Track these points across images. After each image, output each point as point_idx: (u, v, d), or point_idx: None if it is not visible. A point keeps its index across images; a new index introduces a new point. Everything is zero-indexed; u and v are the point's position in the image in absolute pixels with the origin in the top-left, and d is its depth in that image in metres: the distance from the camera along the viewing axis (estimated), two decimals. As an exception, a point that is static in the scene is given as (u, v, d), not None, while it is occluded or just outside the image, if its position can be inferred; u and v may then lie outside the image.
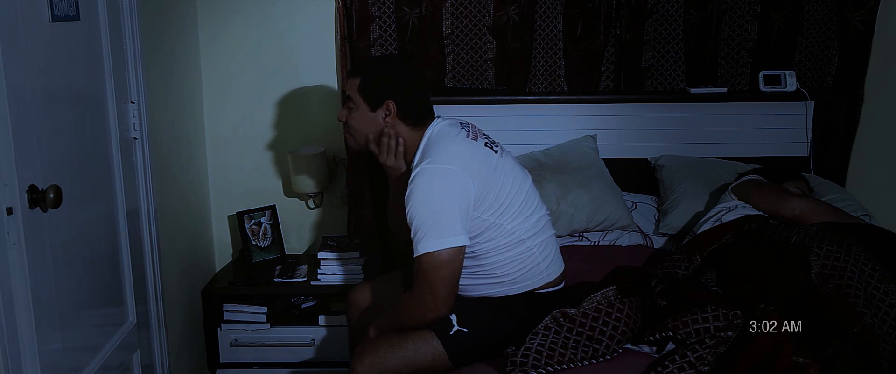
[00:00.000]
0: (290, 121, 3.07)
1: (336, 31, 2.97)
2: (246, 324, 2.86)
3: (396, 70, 2.11)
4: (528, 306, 2.09)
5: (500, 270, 2.07)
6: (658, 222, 2.85)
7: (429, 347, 2.01)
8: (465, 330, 2.03)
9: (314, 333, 2.86)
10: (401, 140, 2.09)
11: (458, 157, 1.97)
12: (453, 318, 2.03)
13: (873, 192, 3.11)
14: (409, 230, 1.95)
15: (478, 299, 2.10)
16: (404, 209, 1.96)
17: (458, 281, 1.97)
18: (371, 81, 2.07)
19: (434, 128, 2.07)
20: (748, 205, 2.48)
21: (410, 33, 2.99)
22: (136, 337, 2.35)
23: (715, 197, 2.76)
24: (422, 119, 2.09)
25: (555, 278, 2.15)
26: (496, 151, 2.09)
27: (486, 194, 1.98)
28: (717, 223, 2.41)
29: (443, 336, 2.02)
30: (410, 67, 2.17)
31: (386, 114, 2.06)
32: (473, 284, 2.08)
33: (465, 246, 1.94)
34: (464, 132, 2.09)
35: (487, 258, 2.05)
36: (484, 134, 2.15)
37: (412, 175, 1.97)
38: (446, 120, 2.12)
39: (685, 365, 1.73)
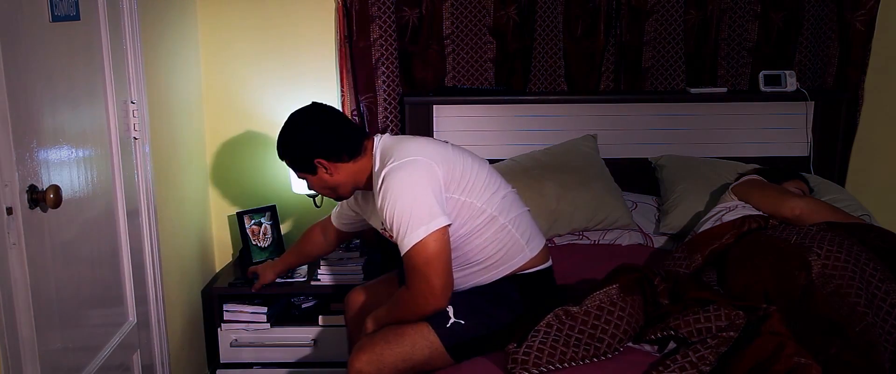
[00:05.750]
0: (290, 121, 3.07)
1: (336, 31, 2.97)
2: (246, 324, 2.86)
3: (302, 130, 2.10)
4: (520, 290, 2.10)
5: (482, 254, 2.08)
6: (658, 221, 2.85)
7: (426, 341, 2.02)
8: (462, 322, 2.03)
9: (314, 333, 2.86)
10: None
11: (415, 149, 2.01)
12: (450, 310, 2.03)
13: (873, 192, 3.12)
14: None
15: (469, 290, 2.11)
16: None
17: (450, 267, 1.97)
18: (293, 158, 2.13)
19: (380, 143, 2.10)
20: (748, 205, 2.48)
21: (410, 33, 2.99)
22: (136, 337, 2.34)
23: (715, 197, 2.76)
24: (357, 149, 2.09)
25: (537, 254, 2.16)
26: (446, 142, 2.14)
27: (452, 174, 2.01)
28: (718, 223, 2.41)
29: (439, 329, 2.02)
30: (316, 115, 2.13)
31: (325, 170, 2.09)
32: (461, 275, 2.09)
33: (448, 226, 1.95)
34: (409, 136, 2.15)
35: (467, 245, 2.06)
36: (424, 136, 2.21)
37: (378, 180, 1.99)
38: (386, 134, 2.15)
39: (687, 365, 1.73)
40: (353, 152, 2.09)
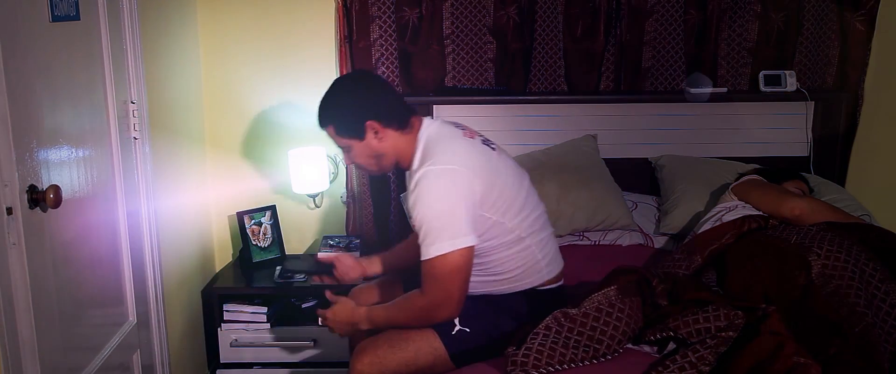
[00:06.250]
0: (290, 121, 3.07)
1: (336, 31, 2.97)
2: (246, 324, 2.86)
3: (352, 91, 2.04)
4: (529, 304, 2.09)
5: (501, 267, 2.07)
6: (658, 221, 2.85)
7: (430, 347, 2.01)
8: (467, 330, 2.03)
9: (314, 333, 2.86)
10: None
11: (461, 156, 1.95)
12: (456, 317, 2.03)
13: (873, 192, 3.11)
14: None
15: (479, 297, 2.09)
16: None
17: (468, 282, 1.96)
18: (340, 119, 2.03)
19: (428, 129, 2.04)
20: (748, 205, 2.48)
21: (410, 33, 2.99)
22: (136, 337, 2.34)
23: (715, 197, 2.76)
24: (406, 119, 2.04)
25: (554, 275, 2.15)
26: (494, 149, 2.08)
27: (489, 193, 1.97)
28: (717, 223, 2.41)
29: (445, 336, 2.02)
30: (362, 79, 2.11)
31: (375, 133, 2.01)
32: (475, 281, 2.07)
33: (473, 246, 1.93)
34: (460, 131, 2.08)
35: (488, 256, 2.04)
36: (479, 133, 2.14)
37: (415, 178, 1.95)
38: (438, 120, 2.10)
39: (686, 365, 1.73)
40: (403, 122, 2.03)
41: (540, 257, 2.10)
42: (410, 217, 1.97)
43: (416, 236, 2.29)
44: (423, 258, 1.92)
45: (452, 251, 1.88)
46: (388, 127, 2.01)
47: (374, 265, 2.39)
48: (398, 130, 2.03)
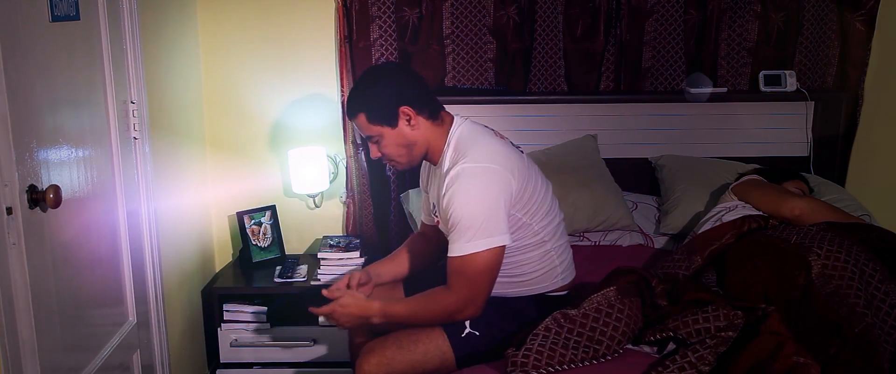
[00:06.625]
0: (290, 121, 3.07)
1: (336, 31, 2.97)
2: (246, 324, 2.86)
3: (386, 78, 2.03)
4: (538, 309, 2.09)
5: (520, 269, 2.08)
6: (658, 222, 2.85)
7: (438, 350, 2.01)
8: (477, 333, 2.03)
9: (314, 333, 2.86)
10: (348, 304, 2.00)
11: (498, 155, 1.96)
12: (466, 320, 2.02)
13: (873, 192, 3.11)
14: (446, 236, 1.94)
15: (489, 300, 2.09)
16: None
17: (495, 281, 1.97)
18: (374, 105, 2.00)
19: (461, 127, 2.04)
20: (748, 205, 2.48)
21: (410, 33, 2.99)
22: (136, 337, 2.34)
23: (715, 197, 2.76)
24: (437, 110, 2.05)
25: (567, 283, 2.17)
26: (522, 152, 2.10)
27: (522, 193, 1.98)
28: (717, 223, 2.41)
29: (454, 338, 2.01)
30: (395, 68, 2.13)
31: (407, 120, 2.00)
32: None
33: (505, 246, 1.93)
34: (491, 132, 2.09)
35: (511, 257, 2.04)
36: (505, 136, 2.14)
37: (452, 174, 1.94)
38: (469, 120, 2.09)
39: (686, 365, 1.73)
40: (434, 113, 2.03)
41: (557, 262, 2.11)
42: (437, 213, 1.94)
43: (416, 244, 2.32)
44: (453, 255, 1.91)
45: (487, 250, 1.89)
46: (420, 114, 2.01)
47: (383, 275, 2.26)
48: (430, 120, 2.02)
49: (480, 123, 2.12)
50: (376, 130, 2.02)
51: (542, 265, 2.09)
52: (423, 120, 2.01)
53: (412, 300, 2.04)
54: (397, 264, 2.29)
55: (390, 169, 3.04)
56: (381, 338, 2.05)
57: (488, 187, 1.91)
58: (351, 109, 2.04)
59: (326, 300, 2.08)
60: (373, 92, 2.00)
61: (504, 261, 2.02)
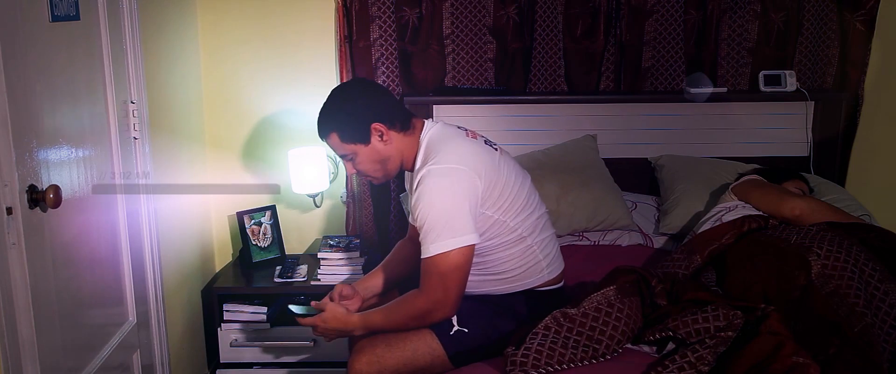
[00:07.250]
0: (289, 121, 3.07)
1: (336, 31, 2.97)
2: (246, 324, 2.86)
3: (355, 96, 2.04)
4: (528, 304, 2.09)
5: (502, 267, 2.07)
6: (658, 221, 2.85)
7: (428, 347, 2.01)
8: (466, 330, 2.03)
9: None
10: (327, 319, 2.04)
11: (463, 155, 1.96)
12: (454, 318, 2.02)
13: (873, 192, 3.11)
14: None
15: (478, 297, 2.09)
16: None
17: (466, 281, 1.97)
18: (345, 124, 2.01)
19: (430, 130, 2.06)
20: (748, 205, 2.48)
21: (410, 33, 2.99)
22: (136, 337, 2.35)
23: (715, 197, 2.76)
24: (407, 119, 2.06)
25: (555, 276, 2.16)
26: (496, 150, 2.09)
27: (491, 191, 1.98)
28: (717, 223, 2.41)
29: (443, 336, 2.02)
30: (363, 85, 2.12)
31: (380, 136, 2.02)
32: (475, 280, 2.08)
33: (475, 244, 1.94)
34: (462, 132, 2.09)
35: (490, 255, 2.05)
36: (481, 134, 2.15)
37: (417, 177, 1.96)
38: (440, 122, 2.11)
39: (685, 365, 1.73)
40: (405, 123, 2.04)
41: (541, 257, 2.10)
42: (411, 216, 1.97)
43: (403, 249, 2.33)
44: (423, 256, 1.92)
45: (454, 249, 1.89)
46: (392, 129, 2.02)
47: (372, 288, 2.28)
48: (401, 132, 2.04)
49: (452, 124, 2.13)
50: (350, 148, 2.04)
51: (524, 261, 2.08)
52: (395, 134, 2.03)
53: (387, 308, 2.05)
54: (384, 274, 2.30)
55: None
56: (371, 337, 2.06)
57: (452, 188, 1.91)
58: (322, 129, 2.05)
59: (294, 317, 2.16)
60: (343, 111, 2.02)
61: (485, 259, 2.04)
